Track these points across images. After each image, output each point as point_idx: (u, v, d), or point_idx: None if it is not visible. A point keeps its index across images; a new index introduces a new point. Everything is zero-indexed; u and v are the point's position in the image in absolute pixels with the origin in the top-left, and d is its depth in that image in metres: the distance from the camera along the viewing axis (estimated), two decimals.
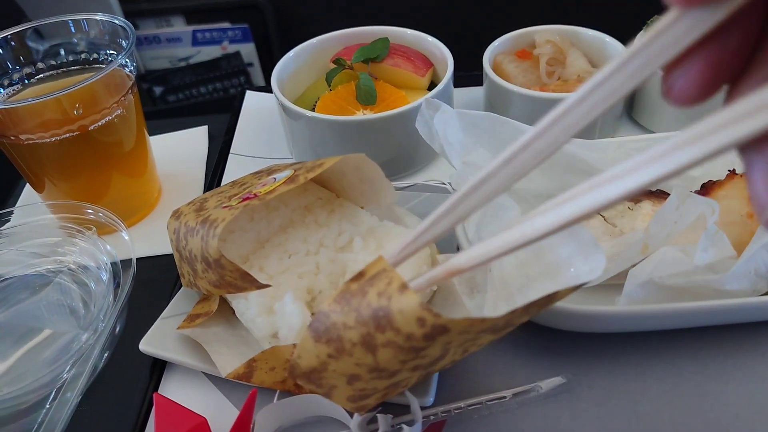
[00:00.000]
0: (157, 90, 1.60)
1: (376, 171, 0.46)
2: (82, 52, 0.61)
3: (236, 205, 0.44)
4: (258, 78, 1.64)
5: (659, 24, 0.20)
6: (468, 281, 0.43)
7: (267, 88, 0.82)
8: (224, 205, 0.45)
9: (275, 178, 0.47)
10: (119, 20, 0.59)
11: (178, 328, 0.48)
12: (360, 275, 0.34)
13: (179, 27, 1.58)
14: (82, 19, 0.60)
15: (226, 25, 1.58)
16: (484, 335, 0.34)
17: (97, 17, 0.60)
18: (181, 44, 1.61)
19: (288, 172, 0.47)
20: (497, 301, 0.40)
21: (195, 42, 1.61)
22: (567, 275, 0.34)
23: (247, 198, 0.44)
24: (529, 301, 0.32)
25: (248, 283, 0.42)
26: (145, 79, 1.57)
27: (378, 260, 0.35)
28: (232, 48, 1.61)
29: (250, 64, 1.63)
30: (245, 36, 1.59)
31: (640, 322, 0.46)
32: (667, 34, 0.20)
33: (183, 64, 1.63)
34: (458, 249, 0.51)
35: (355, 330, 0.33)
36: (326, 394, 0.37)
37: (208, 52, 1.62)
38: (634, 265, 0.47)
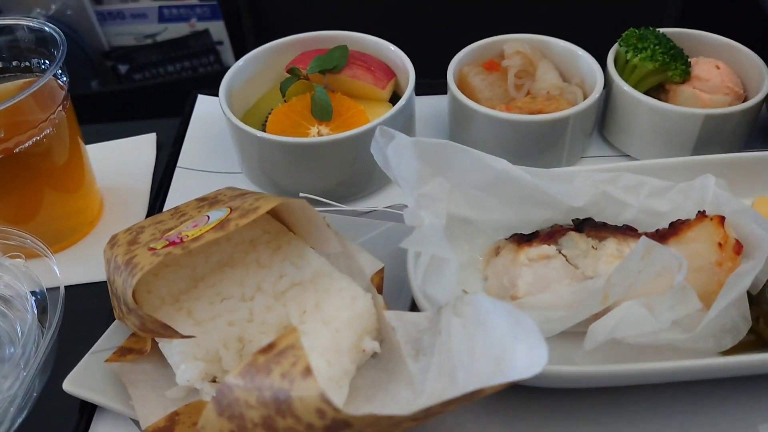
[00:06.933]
0: (122, 68, 1.54)
1: (317, 218, 0.43)
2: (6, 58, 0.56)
3: (160, 250, 0.40)
4: (228, 57, 1.58)
5: None
6: (414, 342, 0.39)
7: None
8: (151, 246, 0.42)
9: (209, 217, 0.43)
10: (49, 27, 0.53)
11: (106, 360, 0.45)
12: (270, 347, 0.33)
13: (145, 2, 1.52)
14: (11, 24, 0.55)
15: (194, 1, 1.51)
16: (404, 423, 0.33)
17: (24, 23, 0.54)
18: (147, 20, 1.55)
19: (224, 212, 0.43)
20: (441, 370, 0.36)
21: (162, 18, 1.55)
22: (506, 364, 0.31)
23: (173, 243, 0.41)
24: (453, 396, 0.31)
25: (170, 333, 0.40)
26: (109, 56, 1.51)
27: (291, 332, 0.33)
28: (200, 25, 1.54)
29: (220, 43, 1.57)
30: (214, 13, 1.53)
31: (600, 381, 0.43)
32: None
33: (149, 41, 1.57)
34: (412, 303, 0.48)
35: (256, 410, 0.32)
36: None
37: (176, 30, 1.55)
38: (594, 315, 0.44)
